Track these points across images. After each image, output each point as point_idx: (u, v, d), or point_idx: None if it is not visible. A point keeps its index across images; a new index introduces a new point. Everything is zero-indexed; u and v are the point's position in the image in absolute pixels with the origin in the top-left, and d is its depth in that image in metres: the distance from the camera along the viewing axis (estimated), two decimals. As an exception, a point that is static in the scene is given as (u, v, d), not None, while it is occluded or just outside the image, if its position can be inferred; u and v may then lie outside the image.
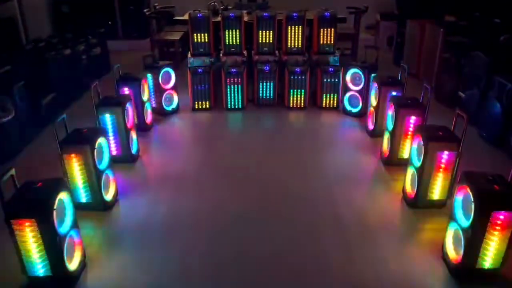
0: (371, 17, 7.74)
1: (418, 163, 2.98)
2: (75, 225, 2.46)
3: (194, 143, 4.23)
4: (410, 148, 3.50)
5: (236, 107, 4.96)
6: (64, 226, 2.35)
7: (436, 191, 2.99)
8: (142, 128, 4.34)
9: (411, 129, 3.47)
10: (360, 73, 4.55)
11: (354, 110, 4.72)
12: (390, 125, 3.61)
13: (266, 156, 3.92)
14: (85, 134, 2.96)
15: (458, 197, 2.43)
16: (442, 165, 2.90)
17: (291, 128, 4.61)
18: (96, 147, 2.89)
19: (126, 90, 4.20)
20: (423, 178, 2.94)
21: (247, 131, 4.53)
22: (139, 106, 4.26)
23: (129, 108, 3.71)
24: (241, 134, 4.47)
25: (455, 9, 6.18)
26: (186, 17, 5.82)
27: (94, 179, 2.92)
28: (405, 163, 3.47)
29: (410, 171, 3.13)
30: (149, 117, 4.47)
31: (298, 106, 4.97)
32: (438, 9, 6.26)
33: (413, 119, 3.44)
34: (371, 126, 4.24)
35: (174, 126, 4.67)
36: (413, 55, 6.01)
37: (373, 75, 4.54)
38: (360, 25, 6.88)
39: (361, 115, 4.68)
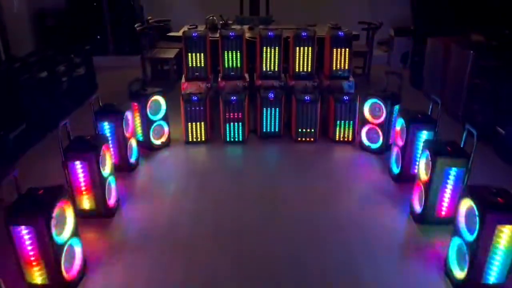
0: (383, 32, 7.10)
1: (470, 237, 2.31)
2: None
3: (186, 187, 3.57)
4: (447, 204, 2.90)
5: (236, 140, 4.30)
6: None
7: (495, 273, 2.32)
8: (125, 168, 3.69)
9: (452, 183, 2.81)
10: (381, 104, 3.90)
11: (373, 146, 4.06)
12: (423, 174, 2.95)
13: (271, 207, 3.26)
14: (40, 196, 2.30)
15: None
16: (503, 241, 2.23)
17: (299, 167, 3.94)
18: (54, 215, 2.23)
19: (106, 125, 3.56)
20: (478, 256, 2.28)
21: (248, 172, 3.86)
22: (122, 144, 3.61)
23: (106, 152, 3.06)
24: (241, 175, 3.80)
25: (481, 25, 5.55)
26: (181, 33, 5.20)
27: (52, 255, 2.26)
28: (445, 222, 2.85)
29: (456, 243, 2.46)
30: (134, 155, 3.81)
31: (308, 139, 4.31)
32: (462, 25, 5.62)
33: (454, 171, 2.77)
34: (395, 169, 3.58)
35: (163, 165, 4.00)
36: (434, 78, 5.36)
37: (396, 107, 3.91)
38: (373, 43, 6.25)
39: (381, 152, 4.02)
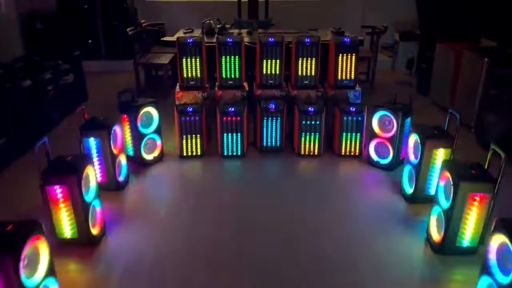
0: (387, 36, 6.81)
1: (505, 280, 2.01)
2: None
3: (179, 208, 3.26)
4: (470, 233, 2.60)
5: (235, 154, 4.00)
6: None
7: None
8: (113, 187, 3.38)
9: (476, 210, 2.51)
10: (391, 116, 3.60)
11: (383, 162, 3.76)
12: (443, 200, 2.65)
13: (272, 231, 2.96)
14: (8, 233, 1.98)
15: None
16: (543, 286, 1.94)
17: (303, 184, 3.63)
18: (22, 258, 1.92)
19: (92, 141, 3.25)
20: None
21: (248, 190, 3.55)
22: (109, 161, 3.30)
23: (90, 174, 2.75)
24: (239, 194, 3.48)
25: (491, 31, 5.28)
26: (175, 38, 4.91)
27: (21, 302, 1.95)
28: (468, 253, 2.58)
29: (486, 282, 2.17)
30: (123, 172, 3.50)
31: (311, 153, 4.01)
32: (471, 30, 5.34)
33: (480, 197, 2.48)
34: (408, 188, 3.28)
35: (155, 183, 3.69)
36: (444, 86, 5.07)
37: (408, 119, 3.61)
38: (378, 48, 5.96)
39: (391, 168, 3.72)
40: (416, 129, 3.18)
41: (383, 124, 3.69)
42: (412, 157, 3.24)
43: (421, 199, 3.17)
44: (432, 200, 3.06)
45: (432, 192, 3.14)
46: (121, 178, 3.45)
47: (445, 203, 2.62)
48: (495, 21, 5.08)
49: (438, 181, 2.73)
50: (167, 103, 4.63)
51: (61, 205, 2.62)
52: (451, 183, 2.52)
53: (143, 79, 6.10)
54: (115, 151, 3.35)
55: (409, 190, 3.26)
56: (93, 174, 2.80)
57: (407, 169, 3.32)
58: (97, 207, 2.85)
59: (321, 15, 7.16)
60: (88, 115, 3.37)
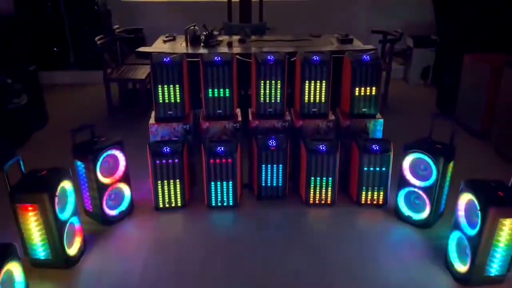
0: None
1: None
2: None
3: (155, 281, 2.41)
4: None
5: (225, 204, 3.14)
6: None
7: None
8: (61, 264, 2.50)
9: None
10: (429, 161, 2.76)
11: (416, 217, 2.92)
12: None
13: None
14: None
15: None
16: None
17: (311, 244, 2.76)
18: None
19: (28, 208, 2.36)
20: None
21: (241, 251, 2.70)
22: (53, 232, 2.41)
23: (13, 271, 1.88)
24: (231, 257, 2.64)
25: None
26: (152, 50, 4.06)
27: None
28: None
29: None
30: (75, 241, 2.62)
31: (323, 202, 3.16)
32: (506, 39, 4.52)
33: None
34: (458, 264, 2.45)
35: (121, 247, 2.80)
36: (475, 106, 4.23)
37: (450, 164, 2.78)
38: (392, 57, 5.12)
39: (428, 225, 2.89)
40: (472, 187, 2.34)
41: (417, 169, 2.85)
42: (463, 222, 2.41)
43: (479, 282, 2.35)
44: (494, 282, 2.28)
45: (494, 271, 2.33)
46: (72, 251, 2.57)
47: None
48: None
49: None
50: (142, 129, 3.72)
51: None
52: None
53: (118, 94, 5.21)
54: (63, 216, 2.47)
55: (461, 267, 2.43)
56: (19, 269, 1.93)
57: (455, 237, 2.48)
58: (27, 315, 1.98)
59: (322, 17, 6.31)
60: (26, 166, 2.49)
